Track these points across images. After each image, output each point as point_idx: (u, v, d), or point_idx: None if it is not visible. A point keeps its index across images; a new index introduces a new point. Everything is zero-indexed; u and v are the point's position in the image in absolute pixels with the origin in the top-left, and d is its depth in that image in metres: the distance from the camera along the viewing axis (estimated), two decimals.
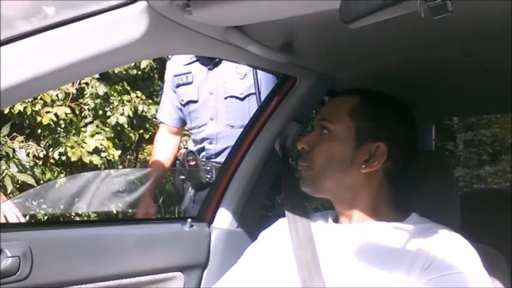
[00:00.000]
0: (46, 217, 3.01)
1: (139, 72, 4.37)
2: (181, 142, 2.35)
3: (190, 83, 2.07)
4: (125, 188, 2.43)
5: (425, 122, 2.00)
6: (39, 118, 3.31)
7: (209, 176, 2.03)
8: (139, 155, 4.77)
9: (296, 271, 1.03)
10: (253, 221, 1.40)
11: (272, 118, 1.34)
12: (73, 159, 3.31)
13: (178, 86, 2.10)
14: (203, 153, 2.08)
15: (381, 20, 0.65)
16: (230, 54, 1.08)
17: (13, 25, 0.71)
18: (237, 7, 0.82)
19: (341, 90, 1.40)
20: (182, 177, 2.12)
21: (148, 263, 1.20)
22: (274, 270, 1.08)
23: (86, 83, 3.86)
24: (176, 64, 2.10)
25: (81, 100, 3.85)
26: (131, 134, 4.06)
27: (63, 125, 3.52)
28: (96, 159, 3.37)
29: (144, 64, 4.19)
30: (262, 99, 1.88)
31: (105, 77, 4.07)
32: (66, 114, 3.45)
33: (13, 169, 2.76)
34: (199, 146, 2.10)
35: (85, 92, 3.89)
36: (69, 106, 3.57)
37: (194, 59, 2.05)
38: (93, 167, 3.38)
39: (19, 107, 3.13)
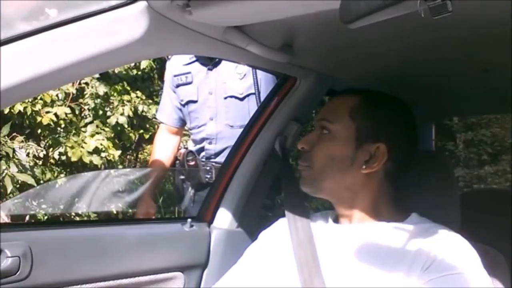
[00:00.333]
0: (46, 217, 3.01)
1: (139, 72, 4.37)
2: (181, 142, 2.35)
3: (189, 83, 2.07)
4: (125, 188, 2.44)
5: (425, 122, 2.00)
6: (39, 118, 3.31)
7: (208, 176, 2.03)
8: (139, 155, 4.77)
9: (296, 271, 1.03)
10: (253, 221, 1.40)
11: (272, 118, 1.34)
12: (73, 159, 3.30)
13: (177, 86, 2.10)
14: (202, 153, 2.08)
15: (381, 20, 0.65)
16: (230, 54, 1.08)
17: (13, 25, 0.71)
18: (237, 7, 0.82)
19: (341, 90, 1.41)
20: (182, 177, 2.12)
21: (148, 263, 1.20)
22: (274, 270, 1.08)
23: (86, 83, 3.86)
24: (176, 64, 2.10)
25: (81, 100, 3.85)
26: (131, 134, 4.05)
27: (63, 125, 3.52)
28: (96, 159, 3.37)
29: (144, 64, 4.19)
30: (262, 99, 1.89)
31: (105, 77, 4.07)
32: (66, 114, 3.45)
33: (13, 169, 2.76)
34: (198, 146, 2.10)
35: (85, 92, 3.89)
36: (69, 106, 3.57)
37: (194, 59, 2.05)
38: (93, 167, 3.38)
39: (19, 107, 3.13)
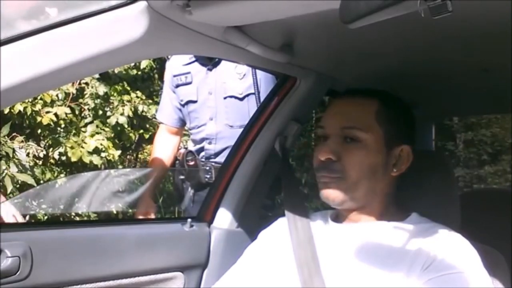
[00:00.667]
0: (46, 217, 3.01)
1: (139, 72, 4.37)
2: (181, 142, 2.35)
3: (189, 83, 2.07)
4: (125, 188, 2.43)
5: (425, 122, 2.00)
6: (39, 118, 3.31)
7: (208, 176, 2.03)
8: (139, 155, 4.77)
9: (296, 271, 1.03)
10: (253, 221, 1.40)
11: (272, 118, 1.34)
12: (73, 159, 3.30)
13: (177, 86, 2.10)
14: (202, 153, 2.08)
15: (381, 20, 0.65)
16: (230, 54, 1.08)
17: (13, 25, 0.71)
18: (237, 7, 0.82)
19: (341, 90, 1.41)
20: (182, 177, 2.12)
21: (148, 263, 1.20)
22: (274, 270, 1.08)
23: (86, 83, 3.86)
24: (176, 64, 2.10)
25: (81, 100, 3.85)
26: (131, 134, 4.05)
27: (63, 125, 3.52)
28: (96, 159, 3.37)
29: (144, 64, 4.19)
30: (261, 99, 1.89)
31: (105, 77, 4.07)
32: (66, 114, 3.45)
33: (13, 169, 2.76)
34: (198, 146, 2.10)
35: (85, 92, 3.89)
36: (69, 106, 3.57)
37: (193, 59, 2.05)
38: (93, 167, 3.38)
39: (19, 107, 3.13)
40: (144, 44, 0.81)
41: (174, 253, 1.26)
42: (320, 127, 1.07)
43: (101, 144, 3.47)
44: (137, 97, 4.09)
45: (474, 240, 0.96)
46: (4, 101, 0.72)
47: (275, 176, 1.39)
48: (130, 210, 2.80)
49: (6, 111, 3.04)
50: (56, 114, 3.37)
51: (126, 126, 3.90)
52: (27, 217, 2.93)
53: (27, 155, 3.16)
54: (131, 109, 3.92)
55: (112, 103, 3.94)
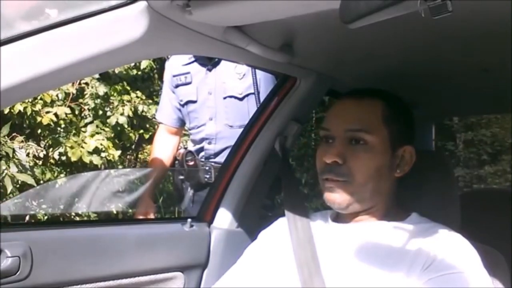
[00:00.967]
0: (46, 217, 3.01)
1: (139, 72, 4.37)
2: (180, 142, 2.35)
3: (189, 83, 2.07)
4: (125, 188, 2.43)
5: (425, 122, 2.00)
6: (39, 118, 3.30)
7: (208, 176, 2.03)
8: (139, 155, 4.76)
9: (296, 271, 1.03)
10: (253, 221, 1.40)
11: (272, 118, 1.34)
12: (73, 159, 3.30)
13: (177, 86, 2.10)
14: (202, 153, 2.08)
15: (381, 20, 0.65)
16: (230, 54, 1.08)
17: (13, 25, 0.71)
18: (237, 7, 0.82)
19: (341, 90, 1.41)
20: (181, 177, 2.12)
21: (148, 263, 1.20)
22: (274, 270, 1.08)
23: (86, 83, 3.86)
24: (175, 64, 2.10)
25: (81, 100, 3.84)
26: (131, 134, 4.05)
27: (63, 125, 3.51)
28: (96, 159, 3.37)
29: (144, 64, 4.19)
30: (261, 99, 1.89)
31: (105, 77, 4.07)
32: (66, 114, 3.45)
33: (13, 169, 2.76)
34: (198, 146, 2.10)
35: (85, 92, 3.89)
36: (69, 106, 3.57)
37: (193, 59, 2.05)
38: (93, 167, 3.38)
39: (19, 107, 3.13)
40: (144, 44, 0.81)
41: (174, 253, 1.26)
42: (325, 128, 1.05)
43: (101, 144, 3.46)
44: (137, 97, 4.08)
45: (474, 240, 0.96)
46: (4, 101, 0.72)
47: (275, 176, 1.39)
48: (130, 210, 2.80)
49: (6, 111, 3.04)
50: (56, 114, 3.37)
51: (126, 126, 3.89)
52: (27, 217, 2.93)
53: (27, 155, 3.16)
54: (131, 109, 3.92)
55: (112, 103, 3.94)
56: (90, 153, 3.39)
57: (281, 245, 1.10)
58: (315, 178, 1.07)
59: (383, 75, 1.26)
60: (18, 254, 0.96)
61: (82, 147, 3.38)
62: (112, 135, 3.78)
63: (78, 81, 3.69)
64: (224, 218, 1.36)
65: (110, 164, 3.56)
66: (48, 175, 3.30)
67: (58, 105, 3.48)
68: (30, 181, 2.78)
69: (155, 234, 1.26)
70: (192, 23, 0.87)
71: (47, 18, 0.72)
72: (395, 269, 0.93)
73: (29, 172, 2.87)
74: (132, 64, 4.19)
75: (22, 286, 0.97)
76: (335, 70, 1.31)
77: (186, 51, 1.36)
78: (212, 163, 2.04)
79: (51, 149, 3.40)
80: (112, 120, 3.83)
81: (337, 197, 1.01)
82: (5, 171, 2.71)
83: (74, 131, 3.50)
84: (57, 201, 2.57)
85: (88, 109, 3.86)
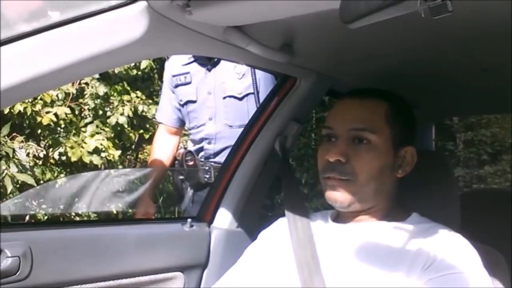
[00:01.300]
0: (46, 217, 3.01)
1: (139, 72, 4.37)
2: (181, 142, 2.35)
3: (188, 83, 2.07)
4: (125, 188, 2.43)
5: (425, 122, 2.00)
6: (39, 118, 3.30)
7: (207, 176, 2.03)
8: (139, 155, 4.76)
9: (296, 271, 1.03)
10: (253, 221, 1.40)
11: (272, 118, 1.34)
12: (73, 159, 3.30)
13: (176, 86, 2.10)
14: (201, 153, 2.08)
15: (381, 20, 0.65)
16: (230, 54, 1.08)
17: (13, 26, 0.71)
18: (237, 7, 0.82)
19: (341, 90, 1.41)
20: (181, 177, 2.12)
21: (148, 263, 1.20)
22: (274, 270, 1.08)
23: (86, 83, 3.86)
24: (175, 64, 2.10)
25: (81, 100, 3.84)
26: (131, 134, 4.05)
27: (63, 125, 3.51)
28: (96, 159, 3.37)
29: (144, 64, 4.19)
30: (261, 98, 1.89)
31: (105, 77, 4.07)
32: (66, 114, 3.45)
33: (13, 169, 2.76)
34: (198, 146, 2.10)
35: (85, 92, 3.89)
36: (69, 106, 3.57)
37: (193, 59, 2.05)
38: (93, 167, 3.38)
39: (19, 107, 3.13)
40: (144, 44, 0.81)
41: (174, 253, 1.26)
42: (327, 127, 1.06)
43: (101, 144, 3.46)
44: (137, 97, 4.08)
45: (474, 240, 0.96)
46: (4, 101, 0.72)
47: (275, 176, 1.39)
48: (130, 210, 2.80)
49: (6, 111, 3.04)
50: (56, 114, 3.37)
51: (126, 126, 3.89)
52: (27, 217, 2.93)
53: (27, 155, 3.16)
54: (131, 109, 3.92)
55: (112, 103, 3.94)
56: (90, 153, 3.39)
57: (281, 245, 1.10)
58: (315, 178, 1.07)
59: (383, 75, 1.26)
60: (18, 254, 0.96)
61: (82, 147, 3.38)
62: (112, 135, 3.78)
63: (78, 81, 3.69)
64: (224, 218, 1.36)
65: (110, 164, 3.56)
66: (48, 175, 3.30)
67: (58, 105, 3.48)
68: (30, 181, 2.79)
69: (155, 234, 1.26)
70: (192, 23, 0.87)
71: (47, 18, 0.72)
72: (395, 269, 0.93)
73: (29, 172, 2.87)
74: (132, 64, 4.19)
75: (22, 286, 0.97)
76: (335, 70, 1.31)
77: (186, 51, 1.36)
78: (212, 163, 2.04)
79: (51, 149, 3.41)
80: (112, 120, 3.83)
81: (339, 196, 1.01)
82: (5, 171, 2.71)
83: (74, 131, 3.50)
84: (57, 201, 2.57)
85: (88, 109, 3.86)
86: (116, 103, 3.93)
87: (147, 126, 4.24)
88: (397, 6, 0.61)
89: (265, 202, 1.59)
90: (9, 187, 2.69)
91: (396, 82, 1.23)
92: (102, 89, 3.85)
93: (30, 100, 3.18)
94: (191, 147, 2.18)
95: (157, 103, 3.48)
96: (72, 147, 3.33)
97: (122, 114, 3.86)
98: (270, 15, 0.86)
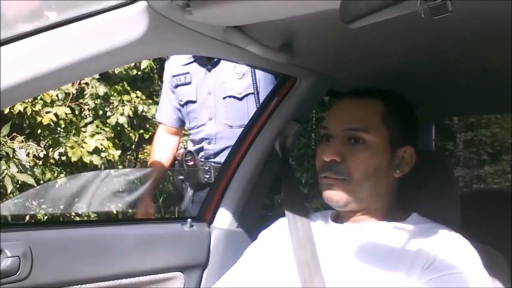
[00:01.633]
0: (46, 217, 3.01)
1: (139, 72, 4.37)
2: (181, 142, 2.35)
3: (188, 83, 2.07)
4: (125, 188, 2.44)
5: (425, 122, 2.00)
6: (39, 118, 3.30)
7: (207, 176, 2.03)
8: (139, 155, 4.76)
9: (296, 271, 1.03)
10: (253, 221, 1.40)
11: (272, 118, 1.34)
12: (73, 159, 3.30)
13: (176, 86, 2.10)
14: (201, 153, 2.08)
15: (381, 20, 0.65)
16: (230, 54, 1.08)
17: (13, 26, 0.71)
18: (237, 7, 0.82)
19: (341, 90, 1.41)
20: (181, 177, 2.12)
21: (148, 263, 1.20)
22: (274, 270, 1.08)
23: (86, 83, 3.86)
24: (175, 65, 2.10)
25: (81, 100, 3.85)
26: (131, 134, 4.05)
27: (63, 125, 3.51)
28: (96, 159, 3.37)
29: (144, 64, 4.19)
30: (261, 98, 1.89)
31: (105, 77, 4.07)
32: (66, 114, 3.45)
33: (13, 169, 2.76)
34: (198, 146, 2.10)
35: (85, 92, 3.89)
36: (69, 106, 3.57)
37: (192, 59, 2.05)
38: (93, 167, 3.38)
39: (19, 107, 3.13)
40: (144, 44, 0.81)
41: (174, 253, 1.26)
42: (324, 127, 1.06)
43: (101, 144, 3.46)
44: (137, 97, 4.09)
45: (474, 240, 0.96)
46: (4, 101, 0.72)
47: (275, 176, 1.39)
48: (130, 210, 2.80)
49: (6, 111, 3.04)
50: (56, 114, 3.37)
51: (126, 126, 3.90)
52: (27, 217, 2.93)
53: (27, 155, 3.16)
54: (131, 109, 3.92)
55: (112, 103, 3.94)
56: (90, 153, 3.39)
57: (281, 245, 1.10)
58: (315, 178, 1.07)
59: (383, 75, 1.26)
60: (18, 254, 0.96)
61: (82, 147, 3.38)
62: (112, 135, 3.78)
63: (78, 81, 3.69)
64: (224, 218, 1.36)
65: (110, 164, 3.56)
66: (48, 175, 3.31)
67: (58, 105, 3.48)
68: (30, 181, 2.78)
69: (155, 234, 1.26)
70: (192, 23, 0.87)
71: (47, 18, 0.72)
72: (395, 269, 0.93)
73: (29, 172, 2.87)
74: (132, 64, 4.19)
75: (22, 286, 0.97)
76: (335, 70, 1.31)
77: (186, 51, 1.36)
78: (212, 163, 2.04)
79: (51, 149, 3.41)
80: (112, 120, 3.83)
81: (334, 195, 1.02)
82: (5, 171, 2.71)
83: (74, 131, 3.50)
84: (57, 201, 2.57)
85: (88, 109, 3.86)
86: (116, 103, 3.94)
87: (147, 126, 4.24)
88: (397, 6, 0.61)
89: (265, 202, 1.59)
90: (9, 187, 2.69)
91: (396, 82, 1.23)
92: (102, 89, 3.85)
93: (30, 100, 3.18)
94: (191, 147, 2.18)
95: (157, 103, 3.49)
96: (72, 147, 3.33)
97: (122, 114, 3.86)
98: (270, 15, 0.86)
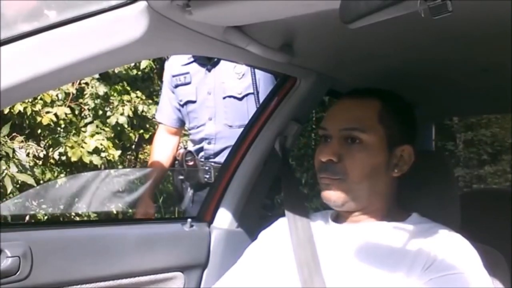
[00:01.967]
0: (46, 217, 3.01)
1: (139, 72, 4.37)
2: (180, 142, 2.35)
3: (188, 83, 2.07)
4: (125, 188, 2.43)
5: (425, 122, 2.00)
6: (39, 118, 3.30)
7: (207, 176, 2.03)
8: (139, 155, 4.76)
9: (296, 271, 1.03)
10: (253, 221, 1.40)
11: (272, 118, 1.34)
12: (73, 159, 3.30)
13: (176, 86, 2.10)
14: (201, 153, 2.08)
15: (381, 20, 0.65)
16: (230, 54, 1.08)
17: (13, 26, 0.71)
18: (237, 7, 0.82)
19: (341, 90, 1.41)
20: (181, 177, 2.12)
21: (148, 263, 1.20)
22: (274, 270, 1.08)
23: (86, 83, 3.86)
24: (175, 65, 2.10)
25: (81, 100, 3.85)
26: (131, 134, 4.05)
27: (63, 125, 3.51)
28: (96, 159, 3.37)
29: (144, 64, 4.19)
30: (261, 98, 1.89)
31: (105, 77, 4.07)
32: (66, 114, 3.45)
33: (13, 169, 2.76)
34: (197, 146, 2.10)
35: (85, 92, 3.89)
36: (69, 106, 3.57)
37: (192, 59, 2.05)
38: (93, 167, 3.38)
39: (19, 107, 3.13)
40: (144, 44, 0.81)
41: (174, 253, 1.26)
42: (322, 128, 1.07)
43: (101, 144, 3.46)
44: (137, 97, 4.09)
45: (474, 240, 0.96)
46: (4, 101, 0.72)
47: (275, 176, 1.39)
48: (130, 210, 2.80)
49: (6, 111, 3.04)
50: (56, 114, 3.37)
51: (126, 126, 3.89)
52: (27, 217, 2.93)
53: (27, 155, 3.16)
54: (131, 109, 3.92)
55: (112, 103, 3.94)
56: (90, 153, 3.39)
57: (281, 245, 1.10)
58: (315, 178, 1.07)
59: (383, 75, 1.26)
60: (18, 254, 0.96)
61: (82, 147, 3.38)
62: (112, 135, 3.78)
63: (78, 81, 3.69)
64: (224, 218, 1.36)
65: (110, 164, 3.56)
66: (48, 175, 3.30)
67: (58, 105, 3.48)
68: (30, 181, 2.78)
69: (155, 234, 1.26)
70: (192, 23, 0.87)
71: (47, 18, 0.72)
72: (395, 269, 0.93)
73: (29, 172, 2.87)
74: (132, 64, 4.19)
75: (22, 286, 0.97)
76: (335, 70, 1.31)
77: (186, 51, 1.36)
78: (212, 163, 2.04)
79: (51, 149, 3.40)
80: (112, 120, 3.83)
81: (332, 194, 1.02)
82: (5, 171, 2.71)
83: (74, 131, 3.50)
84: (57, 201, 2.57)
85: (88, 109, 3.86)
86: (116, 103, 3.94)
87: (147, 126, 4.24)
88: (397, 6, 0.61)
89: (265, 202, 1.59)
90: (9, 187, 2.68)
91: (396, 82, 1.23)
92: (102, 89, 3.85)
93: (30, 100, 3.18)
94: (191, 147, 2.18)
95: (157, 103, 3.49)
96: (72, 147, 3.33)
97: (122, 114, 3.86)
98: (270, 15, 0.86)
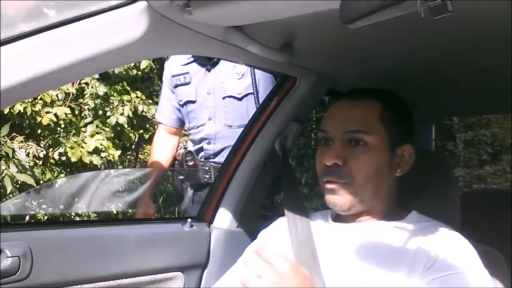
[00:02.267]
0: (46, 217, 3.01)
1: (139, 72, 4.37)
2: (180, 142, 2.35)
3: (188, 83, 2.07)
4: (125, 188, 2.43)
5: (425, 122, 2.00)
6: (39, 118, 3.30)
7: (207, 176, 2.03)
8: (139, 155, 4.76)
9: None
10: (253, 221, 1.40)
11: (272, 118, 1.34)
12: (73, 159, 3.30)
13: (176, 86, 2.10)
14: (201, 153, 2.08)
15: (381, 20, 0.65)
16: (230, 54, 1.08)
17: (13, 25, 0.71)
18: (237, 7, 0.82)
19: (341, 90, 1.41)
20: (181, 177, 2.12)
21: (148, 263, 1.20)
22: None
23: (86, 83, 3.86)
24: (174, 65, 2.10)
25: (81, 100, 3.85)
26: (131, 134, 4.05)
27: (63, 125, 3.51)
28: (96, 159, 3.37)
29: (144, 64, 4.19)
30: (260, 99, 1.89)
31: (105, 77, 4.07)
32: (66, 114, 3.45)
33: (13, 169, 2.76)
34: (197, 146, 2.10)
35: (85, 92, 3.89)
36: (69, 106, 3.57)
37: (192, 59, 2.05)
38: (93, 167, 3.38)
39: (19, 107, 3.13)
40: (144, 44, 0.81)
41: (174, 253, 1.26)
42: (323, 130, 1.05)
43: (101, 144, 3.46)
44: (137, 97, 4.09)
45: (474, 240, 0.96)
46: (4, 101, 0.72)
47: (275, 176, 1.39)
48: (130, 210, 2.80)
49: (6, 111, 3.04)
50: (56, 114, 3.37)
51: (126, 126, 3.89)
52: (27, 217, 2.93)
53: (27, 155, 3.16)
54: (131, 109, 3.92)
55: (112, 103, 3.94)
56: (90, 153, 3.39)
57: (281, 245, 1.10)
58: (315, 178, 1.07)
59: (383, 75, 1.26)
60: (18, 254, 0.96)
61: (82, 147, 3.38)
62: (112, 135, 3.78)
63: (78, 81, 3.69)
64: (224, 218, 1.36)
65: (110, 164, 3.56)
66: (48, 175, 3.30)
67: (58, 105, 3.48)
68: (30, 181, 2.78)
69: (155, 234, 1.26)
70: (192, 23, 0.87)
71: (47, 18, 0.72)
72: (395, 269, 0.93)
73: (29, 172, 2.87)
74: (132, 64, 4.19)
75: (22, 286, 0.97)
76: (335, 70, 1.31)
77: (186, 51, 1.36)
78: (212, 163, 2.04)
79: (51, 149, 3.41)
80: (112, 120, 3.83)
81: (338, 199, 1.01)
82: (5, 171, 2.71)
83: (74, 131, 3.50)
84: (57, 201, 2.57)
85: (88, 109, 3.86)
86: (116, 103, 3.94)
87: (147, 126, 4.24)
88: (397, 6, 0.61)
89: (265, 202, 1.59)
90: (9, 187, 2.68)
91: (396, 82, 1.23)
92: (102, 89, 3.85)
93: (30, 100, 3.18)
94: (191, 147, 2.18)
95: (157, 103, 3.49)
96: (72, 147, 3.33)
97: (122, 114, 3.86)
98: (270, 15, 0.86)
